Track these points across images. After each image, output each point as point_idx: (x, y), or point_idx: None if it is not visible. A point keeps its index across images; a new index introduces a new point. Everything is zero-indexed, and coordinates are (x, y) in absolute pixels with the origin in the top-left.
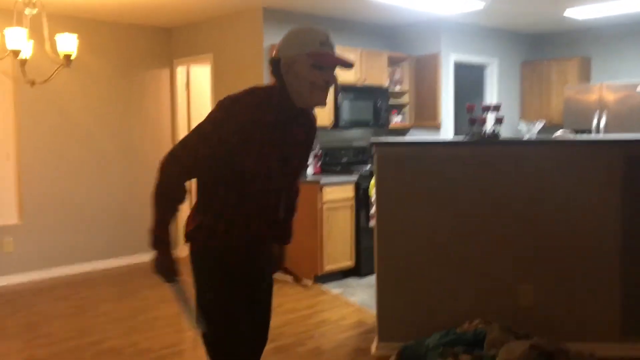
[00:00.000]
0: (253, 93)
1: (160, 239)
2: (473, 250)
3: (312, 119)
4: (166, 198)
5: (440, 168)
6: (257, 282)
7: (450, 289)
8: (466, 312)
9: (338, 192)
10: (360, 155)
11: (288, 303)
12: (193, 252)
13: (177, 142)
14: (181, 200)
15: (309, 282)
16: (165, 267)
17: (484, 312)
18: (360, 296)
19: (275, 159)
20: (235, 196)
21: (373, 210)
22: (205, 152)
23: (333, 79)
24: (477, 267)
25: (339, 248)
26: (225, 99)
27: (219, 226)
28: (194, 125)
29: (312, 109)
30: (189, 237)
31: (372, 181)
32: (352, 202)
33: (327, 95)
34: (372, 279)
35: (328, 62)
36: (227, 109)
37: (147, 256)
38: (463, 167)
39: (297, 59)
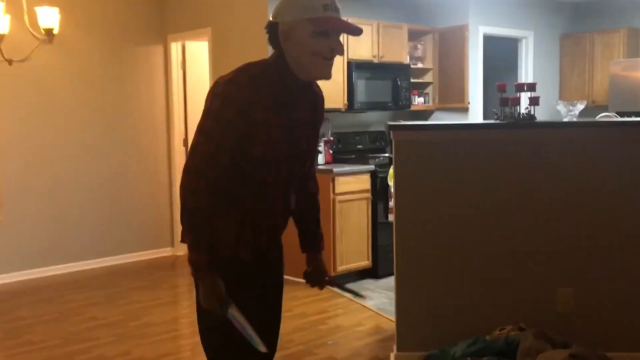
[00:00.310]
0: (246, 71)
1: (202, 267)
2: (505, 248)
3: (317, 94)
4: (196, 216)
5: (467, 155)
6: (267, 284)
7: (479, 292)
8: (497, 318)
9: (352, 183)
10: (377, 141)
11: (298, 307)
12: None
13: (171, 127)
14: (210, 212)
15: (366, 296)
16: (217, 296)
17: (517, 317)
18: (378, 300)
19: (282, 142)
20: (244, 190)
21: (392, 203)
22: (216, 151)
23: (339, 48)
24: (510, 267)
25: (353, 246)
26: (216, 83)
27: (228, 228)
28: (190, 107)
29: (316, 82)
30: None
31: (391, 170)
32: (369, 194)
33: (331, 66)
34: (390, 281)
35: (332, 28)
36: (221, 95)
37: (138, 255)
38: (494, 154)
39: (296, 24)
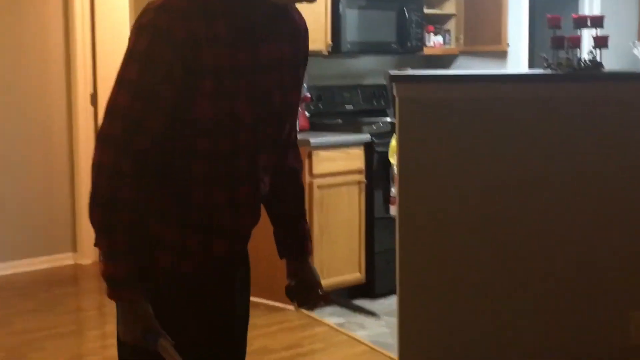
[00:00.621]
0: None
1: (121, 282)
2: (556, 255)
3: (298, 24)
4: (115, 210)
5: (505, 120)
6: (224, 310)
7: (520, 316)
8: (544, 353)
9: (338, 160)
10: (375, 99)
11: (258, 339)
12: None
13: (72, 77)
14: (136, 203)
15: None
16: (141, 323)
17: (573, 351)
18: (374, 329)
19: (244, 94)
20: (188, 171)
21: (395, 189)
22: (145, 111)
23: None
24: (563, 281)
25: (339, 251)
26: (144, 11)
27: (165, 229)
28: (101, 48)
29: (295, 7)
30: None
31: (393, 142)
32: (362, 177)
33: None
34: (392, 302)
35: None
36: (151, 27)
37: (26, 264)
38: (543, 118)
39: None
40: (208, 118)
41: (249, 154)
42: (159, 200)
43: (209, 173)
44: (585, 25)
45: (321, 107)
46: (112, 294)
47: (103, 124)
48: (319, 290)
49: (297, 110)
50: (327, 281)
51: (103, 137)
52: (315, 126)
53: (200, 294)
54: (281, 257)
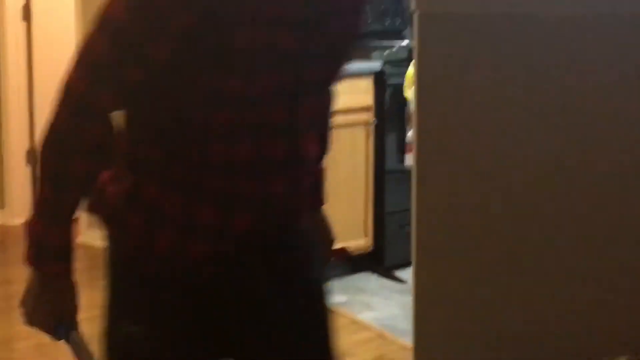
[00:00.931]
0: None
1: (54, 250)
2: (613, 223)
3: None
4: (70, 153)
5: (558, 44)
6: (255, 326)
7: (565, 297)
8: (594, 342)
9: (341, 95)
10: (387, 16)
11: None
12: (113, 248)
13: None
14: (105, 153)
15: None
16: (62, 310)
17: (628, 342)
18: (383, 309)
19: (286, 21)
20: (206, 121)
21: (411, 133)
22: (142, 31)
23: None
24: (617, 258)
25: (340, 212)
26: None
27: (165, 195)
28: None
29: None
30: (103, 211)
31: (410, 71)
32: (370, 116)
33: None
34: (406, 276)
35: None
36: None
37: None
38: (608, 41)
39: None
40: (241, 50)
41: (288, 99)
42: (159, 156)
43: (233, 122)
44: None
45: None
46: (34, 261)
47: (89, 34)
48: (332, 245)
49: (351, 45)
50: None
51: (83, 54)
52: None
53: (212, 293)
54: None
